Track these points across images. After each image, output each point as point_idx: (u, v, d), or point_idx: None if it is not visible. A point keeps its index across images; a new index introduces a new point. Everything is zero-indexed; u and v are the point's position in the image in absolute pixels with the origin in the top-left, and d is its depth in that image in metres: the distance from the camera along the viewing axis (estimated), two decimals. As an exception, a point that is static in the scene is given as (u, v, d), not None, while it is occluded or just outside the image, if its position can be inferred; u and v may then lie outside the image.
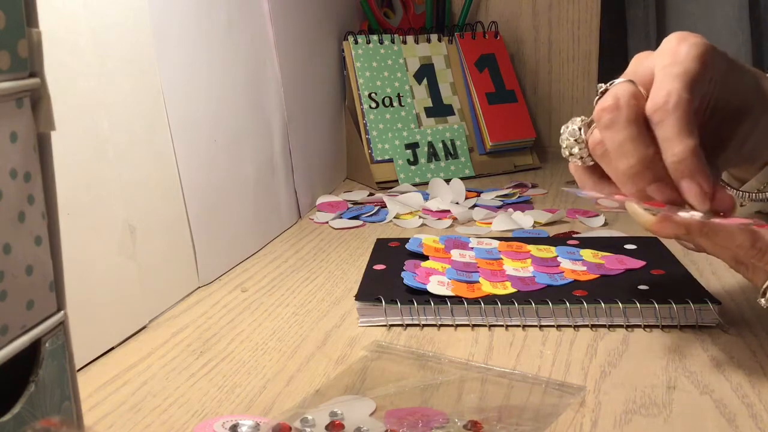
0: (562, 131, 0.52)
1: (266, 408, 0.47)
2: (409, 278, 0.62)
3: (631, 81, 0.48)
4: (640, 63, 0.49)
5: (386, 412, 0.45)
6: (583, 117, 0.52)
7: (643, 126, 0.46)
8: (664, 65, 0.46)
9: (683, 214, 0.46)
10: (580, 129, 0.51)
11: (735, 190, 0.57)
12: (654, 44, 1.30)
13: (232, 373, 0.52)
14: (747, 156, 0.53)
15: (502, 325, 0.58)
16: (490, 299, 0.59)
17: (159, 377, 0.52)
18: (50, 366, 0.36)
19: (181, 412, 0.47)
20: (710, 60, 0.47)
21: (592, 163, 0.51)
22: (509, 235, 0.81)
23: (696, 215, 0.46)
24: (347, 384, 0.49)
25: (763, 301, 0.47)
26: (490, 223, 0.85)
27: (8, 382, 0.34)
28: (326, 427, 0.43)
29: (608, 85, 0.49)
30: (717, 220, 0.46)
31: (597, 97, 0.49)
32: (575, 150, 0.51)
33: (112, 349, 0.56)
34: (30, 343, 0.34)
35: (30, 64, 0.34)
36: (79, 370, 0.50)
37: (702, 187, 0.45)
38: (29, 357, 0.35)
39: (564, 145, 0.52)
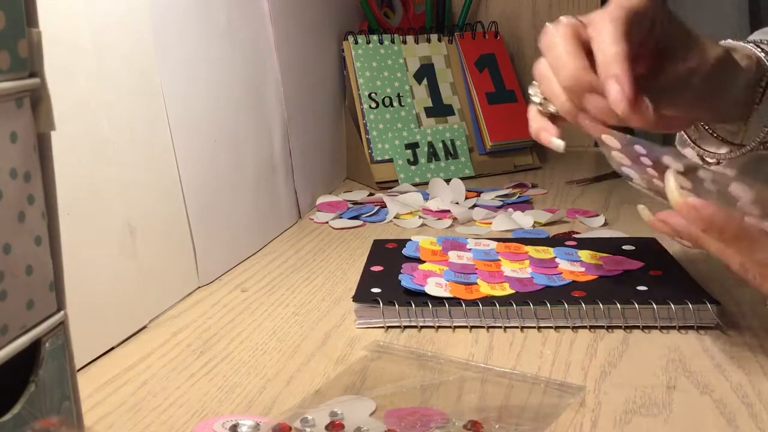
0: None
1: (266, 408, 0.47)
2: (407, 281, 0.62)
3: (575, 18, 0.54)
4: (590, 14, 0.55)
5: (386, 412, 0.45)
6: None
7: (578, 45, 0.52)
8: (609, 3, 0.52)
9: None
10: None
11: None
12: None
13: (232, 373, 0.52)
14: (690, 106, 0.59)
15: (500, 327, 0.58)
16: (488, 301, 0.59)
17: (159, 377, 0.52)
18: (50, 366, 0.36)
19: (181, 412, 0.47)
20: (654, 4, 0.52)
21: (552, 109, 0.56)
22: (509, 235, 0.81)
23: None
24: (347, 384, 0.49)
25: None
26: (490, 223, 0.85)
27: (8, 382, 0.34)
28: (326, 427, 0.43)
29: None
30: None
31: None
32: (536, 99, 0.57)
33: (112, 349, 0.56)
34: (30, 343, 0.34)
35: (30, 64, 0.34)
36: (79, 370, 0.50)
37: (624, 89, 0.49)
38: (29, 357, 0.35)
39: (531, 93, 0.58)
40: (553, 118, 0.56)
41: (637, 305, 0.57)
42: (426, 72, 1.14)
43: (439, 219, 0.88)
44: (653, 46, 0.53)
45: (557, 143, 0.56)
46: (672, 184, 0.47)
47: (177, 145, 0.66)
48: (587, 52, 0.52)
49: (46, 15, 0.35)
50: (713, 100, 0.58)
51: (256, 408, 0.47)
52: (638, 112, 0.49)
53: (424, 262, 0.67)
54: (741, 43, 0.61)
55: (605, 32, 0.50)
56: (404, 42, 1.14)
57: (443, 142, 1.10)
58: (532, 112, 0.58)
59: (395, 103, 1.10)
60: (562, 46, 0.52)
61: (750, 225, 0.44)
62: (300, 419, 0.44)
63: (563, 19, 0.54)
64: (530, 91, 0.58)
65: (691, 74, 0.55)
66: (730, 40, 0.62)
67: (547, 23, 0.55)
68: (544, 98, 0.56)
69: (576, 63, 0.51)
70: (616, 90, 0.49)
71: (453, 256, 0.68)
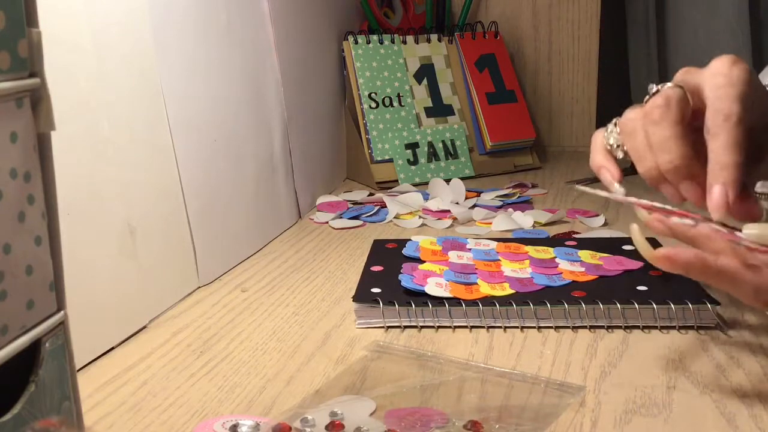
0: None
1: (266, 408, 0.47)
2: (407, 281, 0.62)
3: (681, 87, 0.52)
4: (690, 76, 0.53)
5: (386, 412, 0.45)
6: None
7: (686, 128, 0.51)
8: (722, 85, 0.50)
9: (676, 220, 0.48)
10: (615, 124, 0.56)
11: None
12: (654, 45, 1.30)
13: (232, 373, 0.52)
14: None
15: (500, 327, 0.58)
16: (488, 301, 0.59)
17: (159, 377, 0.52)
18: (50, 366, 0.36)
19: (181, 412, 0.47)
20: (754, 84, 0.51)
21: (620, 156, 0.56)
22: (509, 235, 0.81)
23: (687, 221, 0.48)
24: (347, 384, 0.49)
25: None
26: (490, 223, 0.85)
27: (8, 382, 0.34)
28: (326, 427, 0.43)
29: (659, 86, 0.53)
30: (715, 226, 0.47)
31: (648, 96, 0.53)
32: (611, 140, 0.56)
33: (112, 349, 0.56)
34: (30, 343, 0.34)
35: (30, 64, 0.34)
36: (79, 370, 0.50)
37: (728, 198, 0.48)
38: (29, 357, 0.35)
39: (609, 131, 0.57)
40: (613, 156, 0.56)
41: (637, 305, 0.57)
42: (426, 72, 1.14)
43: (439, 219, 0.88)
44: (749, 127, 0.51)
45: (618, 189, 0.55)
46: (638, 238, 0.48)
47: (177, 145, 0.66)
48: (692, 128, 0.51)
49: (46, 15, 0.35)
50: None
51: (256, 408, 0.47)
52: (748, 216, 0.50)
53: (424, 262, 0.67)
54: None
55: (722, 137, 0.49)
56: (404, 42, 1.14)
57: (443, 142, 1.10)
58: (598, 145, 0.57)
59: (395, 103, 1.10)
60: (672, 129, 0.50)
61: (727, 264, 0.45)
62: (300, 419, 0.44)
63: (673, 93, 0.51)
64: (609, 128, 0.57)
65: None
66: None
67: (652, 89, 0.53)
68: (619, 146, 0.55)
69: (680, 151, 0.50)
70: (719, 197, 0.48)
71: (453, 256, 0.68)
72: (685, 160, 0.50)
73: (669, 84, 0.52)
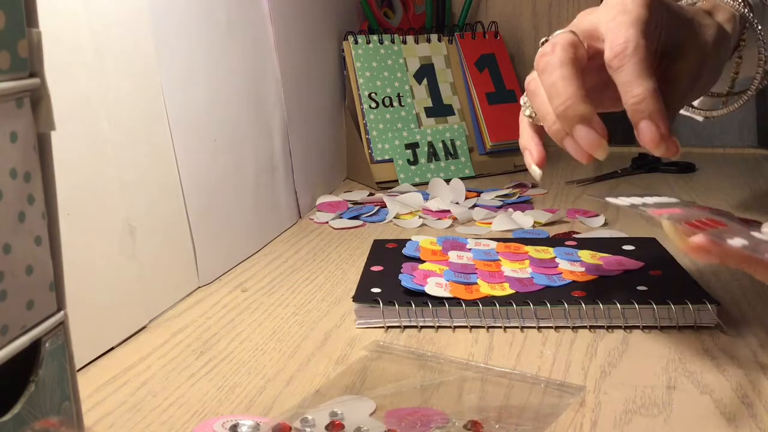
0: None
1: (266, 408, 0.47)
2: (407, 280, 0.62)
3: (571, 32, 0.50)
4: (584, 17, 0.52)
5: (386, 412, 0.45)
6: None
7: (576, 69, 0.49)
8: (615, 15, 0.48)
9: (732, 243, 0.41)
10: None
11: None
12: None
13: (232, 373, 0.52)
14: (700, 92, 0.57)
15: (500, 327, 0.58)
16: (488, 301, 0.59)
17: (159, 377, 0.52)
18: (50, 366, 0.36)
19: (181, 412, 0.47)
20: (655, 5, 0.49)
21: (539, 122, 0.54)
22: (509, 235, 0.81)
23: (738, 243, 0.41)
24: (347, 384, 0.49)
25: None
26: (490, 223, 0.85)
27: (8, 382, 0.34)
28: (326, 427, 0.43)
29: (550, 36, 0.52)
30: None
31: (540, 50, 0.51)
32: (526, 111, 0.56)
33: (112, 349, 0.56)
34: (30, 343, 0.34)
35: (30, 64, 0.34)
36: (79, 370, 0.50)
37: (659, 127, 0.46)
38: (29, 357, 0.35)
39: (522, 104, 0.56)
40: (543, 128, 0.54)
41: (637, 305, 0.57)
42: (426, 72, 1.14)
43: (439, 219, 0.88)
44: (660, 51, 0.50)
45: (535, 171, 0.53)
46: (670, 229, 0.44)
47: (177, 145, 0.66)
48: (584, 69, 0.49)
49: (46, 15, 0.35)
50: (714, 79, 0.56)
51: (256, 408, 0.47)
52: (669, 150, 0.47)
53: (424, 261, 0.67)
54: (718, 1, 0.57)
55: (627, 68, 0.46)
56: (404, 42, 1.14)
57: (443, 142, 1.10)
58: (523, 123, 0.56)
59: (395, 103, 1.10)
60: (559, 71, 0.48)
61: None
62: (300, 419, 0.44)
63: (559, 38, 0.50)
64: (522, 101, 0.56)
65: (698, 73, 0.52)
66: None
67: (542, 40, 0.52)
68: (535, 113, 0.54)
69: (571, 91, 0.48)
70: (651, 133, 0.46)
71: (453, 256, 0.68)
72: (575, 99, 0.47)
73: (559, 31, 0.51)
